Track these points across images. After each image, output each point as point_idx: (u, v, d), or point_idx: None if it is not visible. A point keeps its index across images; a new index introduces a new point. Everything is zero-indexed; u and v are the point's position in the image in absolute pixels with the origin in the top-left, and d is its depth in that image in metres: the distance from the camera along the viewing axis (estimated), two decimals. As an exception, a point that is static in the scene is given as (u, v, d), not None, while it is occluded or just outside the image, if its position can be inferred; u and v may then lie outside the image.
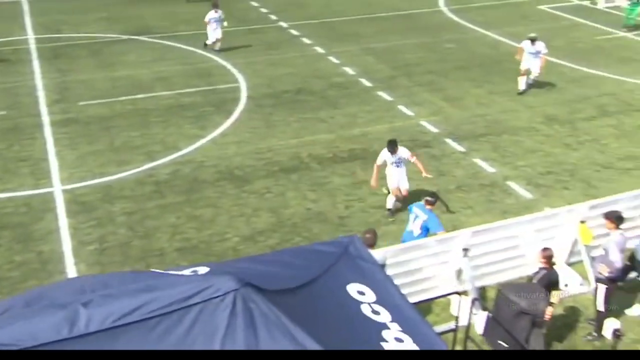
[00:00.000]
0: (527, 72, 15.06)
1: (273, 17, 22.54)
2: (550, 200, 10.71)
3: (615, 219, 7.66)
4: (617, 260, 7.50)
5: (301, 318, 3.74)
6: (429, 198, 8.58)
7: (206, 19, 17.80)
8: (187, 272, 4.25)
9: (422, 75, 16.66)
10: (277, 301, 3.76)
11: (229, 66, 17.07)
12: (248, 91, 15.39)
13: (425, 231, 8.47)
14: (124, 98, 14.73)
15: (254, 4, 24.47)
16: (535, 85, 15.56)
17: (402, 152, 10.11)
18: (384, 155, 10.13)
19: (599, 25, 20.72)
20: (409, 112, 14.34)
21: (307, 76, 16.65)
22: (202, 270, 4.23)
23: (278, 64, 17.57)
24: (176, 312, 3.70)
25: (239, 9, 23.26)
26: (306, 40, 19.75)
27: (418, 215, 8.55)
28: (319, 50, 18.84)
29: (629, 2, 20.08)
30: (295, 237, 9.78)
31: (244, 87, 15.68)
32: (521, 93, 15.05)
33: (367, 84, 16.09)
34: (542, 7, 23.39)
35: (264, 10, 23.54)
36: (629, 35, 19.66)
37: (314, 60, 17.88)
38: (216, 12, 17.74)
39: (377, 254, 7.28)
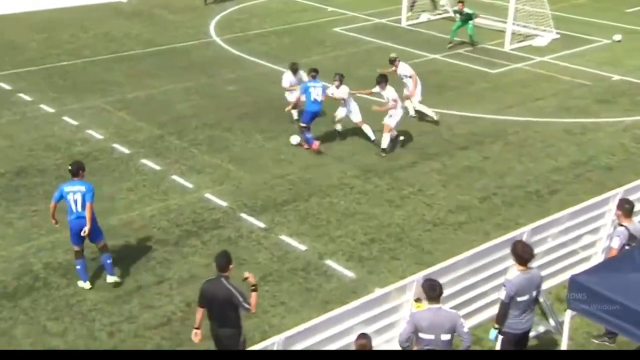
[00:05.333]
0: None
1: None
2: (379, 277, 11.50)
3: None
4: None
5: None
6: (313, 73, 16.10)
7: None
8: None
9: (199, 131, 17.05)
10: None
11: None
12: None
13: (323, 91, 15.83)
14: None
15: None
16: (343, 130, 16.92)
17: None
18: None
19: (405, 47, 23.45)
20: (186, 184, 14.49)
21: (33, 148, 16.03)
22: None
23: (-16, 135, 16.73)
24: None
25: None
26: (25, 97, 19.08)
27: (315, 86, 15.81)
28: (47, 109, 18.29)
29: (459, 17, 23.35)
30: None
31: None
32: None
33: (124, 150, 15.95)
34: (337, 29, 25.82)
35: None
36: (439, 57, 22.63)
37: (40, 125, 17.30)
38: None
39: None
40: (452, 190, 14.34)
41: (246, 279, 8.64)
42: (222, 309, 8.57)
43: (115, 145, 16.15)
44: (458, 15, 23.48)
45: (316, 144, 15.87)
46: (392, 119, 15.80)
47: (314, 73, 16.15)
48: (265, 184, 14.56)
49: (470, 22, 23.22)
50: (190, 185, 14.44)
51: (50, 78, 20.58)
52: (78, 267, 11.14)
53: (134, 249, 12.30)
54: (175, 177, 14.78)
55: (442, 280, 8.93)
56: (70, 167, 11.10)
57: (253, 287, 8.65)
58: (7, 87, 19.77)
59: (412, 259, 12.03)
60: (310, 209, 13.60)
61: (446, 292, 9.33)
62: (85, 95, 19.25)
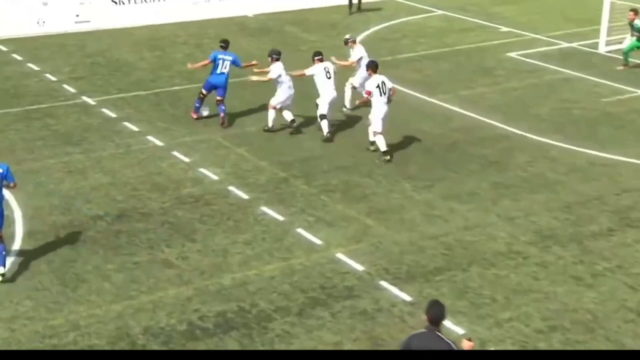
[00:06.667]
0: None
1: (69, 88, 22.76)
2: (562, 377, 10.93)
3: None
4: None
5: None
6: (222, 44, 20.01)
7: None
8: None
9: (331, 175, 17.15)
10: None
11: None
12: (25, 224, 15.02)
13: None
14: None
15: (33, 66, 24.61)
16: (513, 181, 16.40)
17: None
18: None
19: (603, 80, 22.78)
20: (314, 240, 14.54)
21: (137, 188, 16.63)
22: None
23: (82, 170, 17.47)
24: None
25: (8, 77, 23.24)
26: (131, 126, 19.87)
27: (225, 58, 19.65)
28: (156, 141, 18.98)
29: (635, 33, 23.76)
30: None
31: (18, 215, 15.32)
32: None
33: (242, 195, 16.26)
34: (512, 54, 25.45)
35: (51, 77, 23.76)
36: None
37: (147, 160, 17.96)
38: None
39: None
40: (665, 270, 13.59)
41: (469, 339, 9.05)
42: None
43: (232, 188, 16.47)
44: (634, 33, 23.81)
45: (196, 115, 19.94)
46: (374, 118, 17.92)
47: (223, 44, 19.85)
48: (412, 246, 14.35)
49: None
50: (318, 242, 14.45)
51: (160, 105, 21.48)
52: None
53: (249, 316, 12.29)
54: (301, 230, 14.84)
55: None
56: None
57: None
58: (111, 114, 20.74)
59: (608, 356, 11.34)
60: (470, 282, 13.23)
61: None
62: (198, 126, 19.85)
